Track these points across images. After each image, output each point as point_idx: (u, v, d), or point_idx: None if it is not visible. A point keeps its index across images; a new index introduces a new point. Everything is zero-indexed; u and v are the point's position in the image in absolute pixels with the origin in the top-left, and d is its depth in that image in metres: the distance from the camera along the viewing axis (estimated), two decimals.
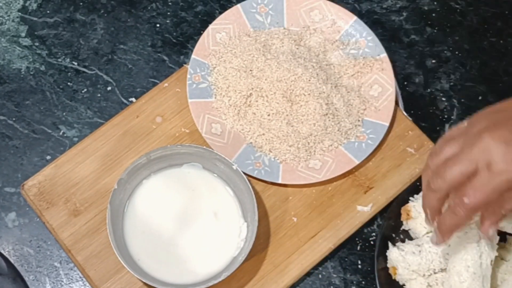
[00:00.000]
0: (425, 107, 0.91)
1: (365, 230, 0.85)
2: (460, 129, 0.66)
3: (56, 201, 0.82)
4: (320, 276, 0.82)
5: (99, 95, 0.90)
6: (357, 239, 0.84)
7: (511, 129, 0.60)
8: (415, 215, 0.80)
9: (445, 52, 0.94)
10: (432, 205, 0.66)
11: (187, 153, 0.80)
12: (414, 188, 0.83)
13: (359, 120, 0.86)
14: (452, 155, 0.63)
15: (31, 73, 0.91)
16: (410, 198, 0.82)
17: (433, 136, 0.88)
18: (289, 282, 0.80)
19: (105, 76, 0.91)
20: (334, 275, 0.82)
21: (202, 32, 0.89)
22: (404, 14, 0.97)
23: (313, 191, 0.84)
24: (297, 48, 0.87)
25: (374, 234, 0.84)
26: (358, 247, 0.84)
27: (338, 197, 0.84)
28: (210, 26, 0.89)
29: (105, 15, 0.95)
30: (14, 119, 0.88)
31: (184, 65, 0.90)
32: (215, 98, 0.86)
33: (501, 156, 0.60)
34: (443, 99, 0.92)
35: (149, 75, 0.91)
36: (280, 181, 0.82)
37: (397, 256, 0.77)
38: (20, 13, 0.94)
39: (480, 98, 0.92)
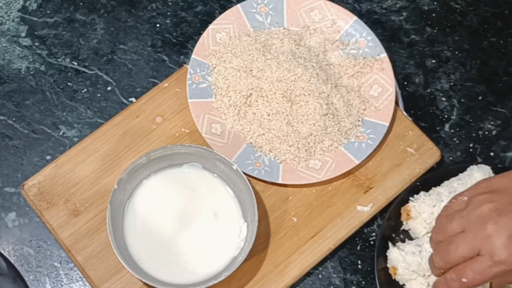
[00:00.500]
0: (425, 107, 0.91)
1: (365, 230, 0.85)
2: (460, 204, 0.69)
3: (56, 201, 0.82)
4: (320, 276, 0.82)
5: (99, 95, 0.90)
6: (357, 239, 0.84)
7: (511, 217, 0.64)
8: (415, 215, 0.80)
9: (445, 52, 0.94)
10: (434, 273, 0.72)
11: (187, 153, 0.80)
12: (414, 188, 0.83)
13: (359, 120, 0.86)
14: (454, 235, 0.67)
15: (31, 73, 0.91)
16: (410, 198, 0.82)
17: (433, 136, 0.88)
18: (289, 282, 0.80)
19: (105, 76, 0.91)
20: (334, 275, 0.82)
21: (202, 32, 0.89)
22: (404, 14, 0.97)
23: (313, 191, 0.84)
24: (297, 48, 0.87)
25: (374, 234, 0.84)
26: (358, 247, 0.84)
27: (338, 197, 0.84)
28: (210, 26, 0.89)
29: (105, 15, 0.95)
30: (14, 119, 0.88)
31: (184, 65, 0.90)
32: (215, 98, 0.86)
33: (503, 247, 0.64)
34: (443, 99, 0.92)
35: (149, 75, 0.91)
36: (280, 181, 0.82)
37: (397, 256, 0.77)
38: (20, 13, 0.94)
39: (480, 98, 0.92)
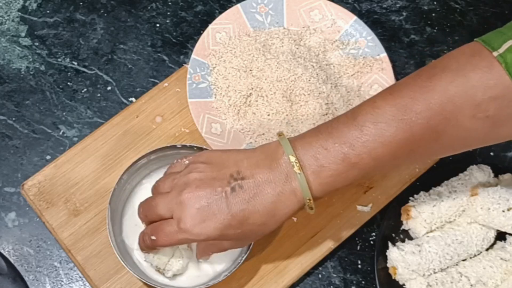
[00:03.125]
0: None
1: (365, 230, 0.85)
2: (181, 166, 0.72)
3: (56, 201, 0.82)
4: (320, 276, 0.82)
5: (99, 95, 0.90)
6: (357, 239, 0.84)
7: (209, 192, 0.66)
8: (415, 215, 0.80)
9: (445, 52, 0.94)
10: (141, 221, 0.74)
11: (187, 153, 0.80)
12: (414, 188, 0.83)
13: None
14: (162, 192, 0.70)
15: (31, 73, 0.91)
16: (410, 198, 0.82)
17: None
18: (289, 282, 0.80)
19: (105, 76, 0.91)
20: (334, 275, 0.82)
21: (202, 32, 0.89)
22: (404, 14, 0.97)
23: None
24: (297, 48, 0.87)
25: (374, 234, 0.85)
26: (358, 247, 0.84)
27: (338, 197, 0.84)
28: (210, 26, 0.89)
29: (105, 15, 0.95)
30: (14, 119, 0.88)
31: (184, 65, 0.90)
32: (215, 98, 0.86)
33: (190, 217, 0.66)
34: None
35: (149, 75, 0.92)
36: None
37: (397, 256, 0.77)
38: (20, 13, 0.94)
39: None
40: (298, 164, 0.65)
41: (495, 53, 0.62)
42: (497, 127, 0.64)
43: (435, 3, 0.98)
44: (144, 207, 0.72)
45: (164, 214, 0.68)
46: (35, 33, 0.93)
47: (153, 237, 0.69)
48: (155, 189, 0.72)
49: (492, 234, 0.80)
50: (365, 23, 0.90)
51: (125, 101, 0.90)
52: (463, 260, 0.79)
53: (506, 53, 0.62)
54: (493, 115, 0.63)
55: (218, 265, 0.78)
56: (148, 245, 0.71)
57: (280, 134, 0.68)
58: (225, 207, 0.65)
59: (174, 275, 0.76)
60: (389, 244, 0.80)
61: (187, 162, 0.71)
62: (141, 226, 0.77)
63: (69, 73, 0.91)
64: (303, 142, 0.66)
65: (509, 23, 0.65)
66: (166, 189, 0.70)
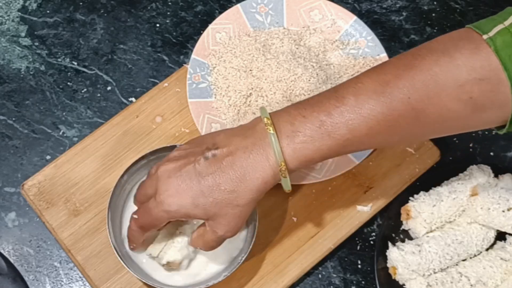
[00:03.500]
0: None
1: (365, 230, 0.85)
2: (181, 153, 0.70)
3: (56, 201, 0.82)
4: (320, 276, 0.82)
5: (99, 95, 0.90)
6: (357, 239, 0.84)
7: (182, 164, 0.67)
8: (415, 215, 0.80)
9: None
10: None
11: None
12: (414, 188, 0.83)
13: None
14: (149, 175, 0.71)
15: (31, 73, 0.91)
16: (410, 198, 0.82)
17: None
18: (289, 282, 0.80)
19: (105, 76, 0.91)
20: (334, 275, 0.82)
21: (202, 32, 0.89)
22: (404, 14, 0.97)
23: (313, 190, 0.84)
24: (297, 48, 0.87)
25: (374, 234, 0.85)
26: (358, 247, 0.84)
27: (338, 197, 0.84)
28: (210, 26, 0.89)
29: (105, 15, 0.95)
30: (14, 119, 0.88)
31: (184, 65, 0.90)
32: (215, 98, 0.86)
33: (164, 189, 0.67)
34: None
35: (149, 75, 0.92)
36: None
37: (397, 256, 0.77)
38: (20, 13, 0.94)
39: None
40: (272, 127, 0.65)
41: (484, 36, 0.62)
42: (479, 111, 0.63)
43: (435, 3, 0.98)
44: (137, 191, 0.73)
45: (147, 192, 0.69)
46: (35, 33, 0.93)
47: (135, 216, 0.70)
48: (147, 173, 0.73)
49: (492, 234, 0.80)
50: (365, 23, 0.90)
51: (125, 101, 0.90)
52: (463, 260, 0.79)
53: (496, 36, 0.61)
54: (476, 98, 0.62)
55: (218, 265, 0.78)
56: (132, 229, 0.71)
57: (262, 108, 0.68)
58: (197, 175, 0.66)
59: (170, 266, 0.76)
60: (389, 244, 0.80)
61: (188, 150, 0.71)
62: None
63: (69, 73, 0.91)
64: (282, 111, 0.67)
65: (501, 12, 0.65)
66: (153, 172, 0.71)
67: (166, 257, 0.75)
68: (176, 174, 0.66)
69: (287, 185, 0.67)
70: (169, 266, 0.76)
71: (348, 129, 0.64)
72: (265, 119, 0.65)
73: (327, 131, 0.64)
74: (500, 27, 0.62)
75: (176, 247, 0.75)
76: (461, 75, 0.62)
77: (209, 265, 0.78)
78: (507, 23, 0.62)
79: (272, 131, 0.64)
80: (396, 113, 0.63)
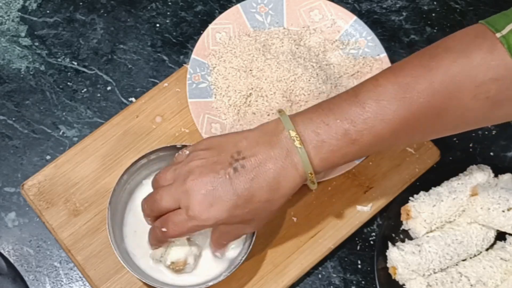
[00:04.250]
0: None
1: (365, 230, 0.85)
2: (182, 157, 0.72)
3: (56, 201, 0.82)
4: (320, 276, 0.82)
5: (99, 95, 0.90)
6: (357, 239, 0.84)
7: (212, 177, 0.66)
8: (415, 215, 0.80)
9: None
10: (147, 220, 0.74)
11: None
12: (414, 188, 0.83)
13: None
14: (165, 185, 0.70)
15: (31, 73, 0.91)
16: (410, 198, 0.82)
17: None
18: (289, 282, 0.80)
19: (105, 76, 0.91)
20: (334, 275, 0.82)
21: (202, 32, 0.89)
22: (404, 14, 0.97)
23: (313, 190, 0.84)
24: (297, 48, 0.87)
25: (374, 234, 0.84)
26: (358, 247, 0.84)
27: (338, 197, 0.84)
28: (210, 26, 0.89)
29: (105, 15, 0.95)
30: (14, 119, 0.88)
31: (184, 65, 0.90)
32: (215, 98, 0.86)
33: (197, 203, 0.66)
34: None
35: (149, 75, 0.92)
36: None
37: (397, 256, 0.77)
38: (20, 13, 0.94)
39: None
40: (299, 139, 0.66)
41: (498, 35, 0.63)
42: (496, 108, 0.65)
43: (435, 3, 0.98)
44: (149, 202, 0.71)
45: (171, 205, 0.68)
46: (35, 33, 0.93)
47: (163, 229, 0.69)
48: (156, 182, 0.72)
49: (492, 234, 0.80)
50: (365, 23, 0.90)
51: (125, 101, 0.90)
52: (463, 260, 0.79)
53: (509, 35, 0.62)
54: (493, 96, 0.63)
55: (216, 265, 0.78)
56: (159, 239, 0.71)
57: (280, 111, 0.68)
58: (230, 188, 0.66)
59: (176, 267, 0.76)
60: (389, 244, 0.80)
61: (187, 152, 0.71)
62: (142, 226, 0.77)
63: (69, 73, 0.91)
64: (304, 118, 0.67)
65: None
66: (169, 181, 0.70)
67: (169, 257, 0.75)
68: (206, 188, 0.66)
69: (313, 187, 0.69)
70: (176, 267, 0.76)
71: (371, 134, 0.65)
72: (291, 132, 0.66)
73: (352, 139, 0.66)
74: None
75: (176, 245, 0.75)
76: (478, 75, 0.63)
77: (209, 265, 0.78)
78: None
79: (299, 145, 0.66)
80: (417, 115, 0.65)
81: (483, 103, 0.64)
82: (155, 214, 0.71)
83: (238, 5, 0.90)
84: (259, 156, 0.66)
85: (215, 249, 0.75)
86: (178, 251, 0.75)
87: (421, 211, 0.79)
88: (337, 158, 0.67)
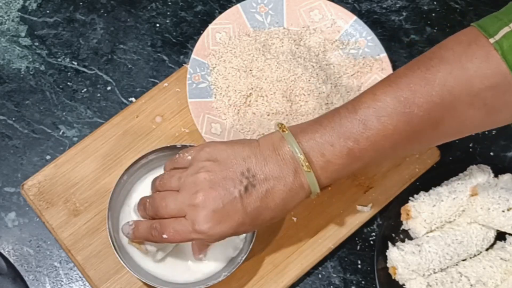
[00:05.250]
0: None
1: (365, 230, 0.85)
2: (185, 162, 0.71)
3: (56, 201, 0.82)
4: (320, 276, 0.82)
5: (99, 95, 0.90)
6: (357, 239, 0.84)
7: (223, 194, 0.66)
8: (415, 215, 0.80)
9: None
10: (140, 213, 0.74)
11: None
12: (414, 188, 0.83)
13: None
14: (169, 191, 0.70)
15: (31, 73, 0.91)
16: (410, 198, 0.82)
17: None
18: (289, 282, 0.80)
19: (105, 76, 0.91)
20: (334, 275, 0.82)
21: (202, 32, 0.89)
22: (404, 14, 0.97)
23: None
24: (297, 48, 0.87)
25: (374, 234, 0.84)
26: (358, 247, 0.84)
27: (338, 196, 0.84)
28: (210, 26, 0.89)
29: (105, 15, 0.95)
30: (14, 119, 0.88)
31: (184, 65, 0.90)
32: (215, 98, 0.86)
33: (205, 220, 0.66)
34: None
35: (149, 75, 0.92)
36: None
37: (397, 256, 0.77)
38: (19, 13, 0.94)
39: None
40: (307, 163, 0.66)
41: (491, 40, 0.63)
42: (493, 114, 0.65)
43: (435, 3, 0.98)
44: (154, 206, 0.70)
45: (175, 214, 0.68)
46: (35, 33, 0.93)
47: (164, 235, 0.68)
48: (159, 185, 0.71)
49: (492, 234, 0.80)
50: (365, 23, 0.90)
51: (125, 101, 0.90)
52: (463, 260, 0.79)
53: (502, 40, 0.62)
54: (490, 103, 0.64)
55: (216, 265, 0.78)
56: (151, 239, 0.70)
57: (281, 126, 0.69)
58: (240, 207, 0.66)
59: (160, 255, 0.76)
60: (389, 244, 0.80)
61: (189, 157, 0.71)
62: None
63: (69, 73, 0.91)
64: (308, 138, 0.67)
65: (504, 8, 0.65)
66: (174, 187, 0.69)
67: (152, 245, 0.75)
68: (216, 205, 0.66)
69: (315, 196, 0.70)
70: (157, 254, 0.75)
71: (374, 150, 0.67)
72: (300, 156, 0.66)
73: (356, 156, 0.67)
74: (506, 30, 0.63)
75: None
76: (475, 84, 0.63)
77: (209, 264, 0.78)
78: None
79: (308, 169, 0.66)
80: (417, 128, 0.66)
81: (480, 110, 0.64)
82: (154, 217, 0.71)
83: (238, 5, 0.90)
84: (269, 176, 0.67)
85: (199, 252, 0.76)
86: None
87: (421, 211, 0.79)
88: (342, 174, 0.69)
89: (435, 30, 0.96)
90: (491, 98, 0.64)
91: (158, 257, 0.76)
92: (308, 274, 0.82)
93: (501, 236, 0.81)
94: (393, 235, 0.82)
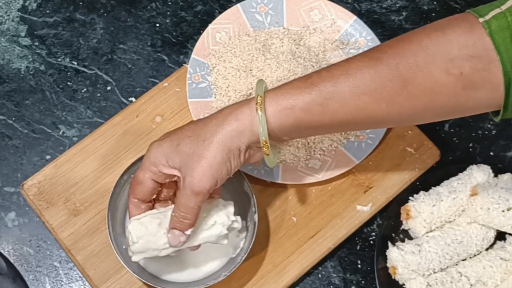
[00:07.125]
0: None
1: (365, 230, 0.85)
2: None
3: (56, 201, 0.82)
4: (319, 275, 0.82)
5: (98, 94, 0.90)
6: (356, 238, 0.84)
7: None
8: (415, 214, 0.80)
9: None
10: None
11: None
12: (414, 187, 0.83)
13: None
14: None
15: (31, 72, 0.91)
16: (410, 197, 0.82)
17: (432, 136, 0.88)
18: (288, 281, 0.80)
19: (104, 76, 0.91)
20: (334, 275, 0.82)
21: (201, 31, 0.89)
22: (404, 13, 0.97)
23: (312, 190, 0.84)
24: (297, 48, 0.87)
25: (373, 233, 0.85)
26: (358, 247, 0.84)
27: (337, 196, 0.84)
28: (210, 26, 0.89)
29: (105, 14, 0.95)
30: (13, 118, 0.88)
31: (184, 64, 0.90)
32: (215, 97, 0.86)
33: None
34: None
35: (148, 74, 0.92)
36: (279, 181, 0.82)
37: (397, 256, 0.77)
38: (19, 13, 0.94)
39: None
40: (261, 99, 0.66)
41: (481, 19, 0.62)
42: (470, 89, 0.63)
43: (435, 3, 0.98)
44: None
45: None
46: (35, 33, 0.93)
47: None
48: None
49: (492, 234, 0.80)
50: (365, 23, 0.90)
51: (125, 101, 0.90)
52: (463, 260, 0.79)
53: (491, 20, 0.62)
54: (467, 74, 0.62)
55: (216, 264, 0.78)
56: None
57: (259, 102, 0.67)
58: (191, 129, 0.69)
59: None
60: (389, 244, 0.80)
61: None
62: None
63: (69, 73, 0.91)
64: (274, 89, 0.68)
65: None
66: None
67: (130, 226, 0.72)
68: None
69: (267, 152, 0.67)
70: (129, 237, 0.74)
71: (332, 81, 0.64)
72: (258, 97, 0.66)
73: (312, 82, 0.65)
74: (496, 11, 0.63)
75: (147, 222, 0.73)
76: (452, 49, 0.62)
77: (208, 264, 0.78)
78: (504, 7, 0.63)
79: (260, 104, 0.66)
80: (383, 76, 0.64)
81: (456, 80, 0.63)
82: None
83: (238, 5, 0.90)
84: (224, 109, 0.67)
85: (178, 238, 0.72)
86: (137, 228, 0.72)
87: (421, 211, 0.79)
88: (293, 99, 0.66)
89: None
90: (468, 69, 0.62)
91: (161, 254, 0.76)
92: (308, 274, 0.82)
93: (501, 236, 0.81)
94: (393, 235, 0.82)
